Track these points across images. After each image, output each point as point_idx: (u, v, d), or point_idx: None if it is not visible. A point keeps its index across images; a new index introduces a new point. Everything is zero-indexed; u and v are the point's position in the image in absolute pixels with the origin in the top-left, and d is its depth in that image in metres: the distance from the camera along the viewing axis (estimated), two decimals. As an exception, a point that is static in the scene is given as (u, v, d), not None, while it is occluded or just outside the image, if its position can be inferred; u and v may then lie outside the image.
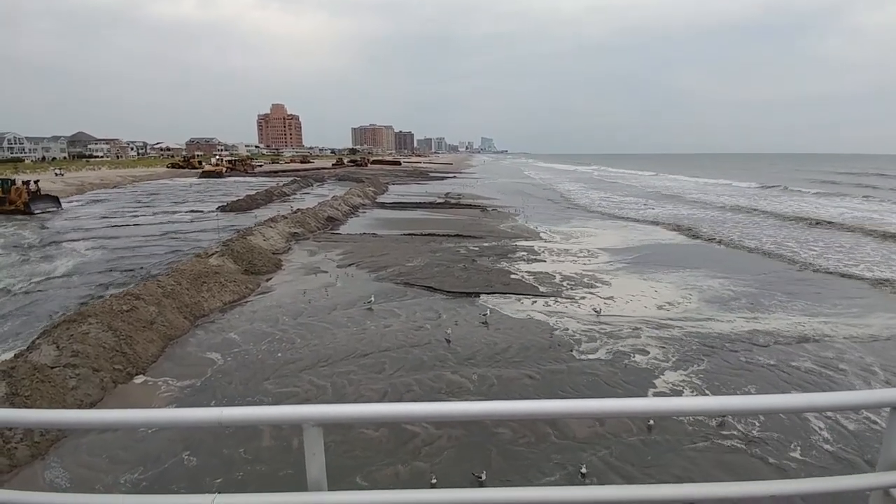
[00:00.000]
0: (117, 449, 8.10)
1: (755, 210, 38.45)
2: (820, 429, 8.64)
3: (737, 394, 9.86)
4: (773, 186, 60.49)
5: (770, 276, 19.23)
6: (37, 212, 35.14)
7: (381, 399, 9.62)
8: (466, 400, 9.49)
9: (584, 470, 7.60)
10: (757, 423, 8.75)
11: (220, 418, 1.78)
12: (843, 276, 19.24)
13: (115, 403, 9.70)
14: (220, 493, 1.59)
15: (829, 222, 31.74)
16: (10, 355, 10.56)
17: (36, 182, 38.67)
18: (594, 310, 14.85)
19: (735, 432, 8.56)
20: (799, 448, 8.16)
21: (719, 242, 26.50)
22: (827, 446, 8.22)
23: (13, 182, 37.05)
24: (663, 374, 10.83)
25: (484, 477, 7.35)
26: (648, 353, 11.99)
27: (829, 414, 8.87)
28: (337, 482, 7.17)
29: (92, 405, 9.67)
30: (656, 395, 9.91)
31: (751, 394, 9.91)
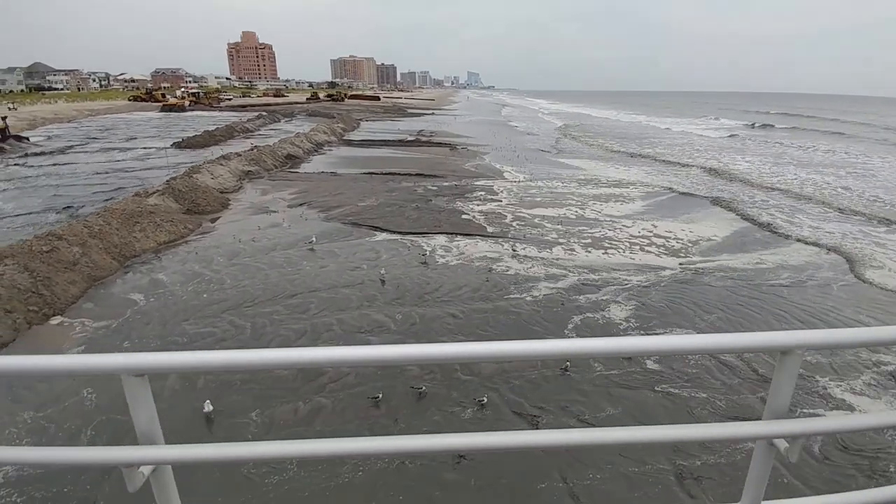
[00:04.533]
0: (20, 389, 8.07)
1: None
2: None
3: (632, 335, 10.16)
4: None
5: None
6: (7, 149, 32.73)
7: (298, 339, 9.66)
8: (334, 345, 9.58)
9: (484, 400, 7.89)
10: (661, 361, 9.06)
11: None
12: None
13: (27, 343, 9.59)
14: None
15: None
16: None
17: (3, 119, 35.60)
18: (512, 249, 14.89)
19: (638, 370, 8.86)
20: (700, 387, 8.51)
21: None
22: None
23: None
24: (583, 314, 11.03)
25: (423, 389, 8.08)
26: (580, 292, 12.16)
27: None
28: (230, 418, 7.29)
29: (3, 346, 9.55)
30: (567, 333, 10.15)
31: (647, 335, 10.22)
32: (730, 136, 53.19)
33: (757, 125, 66.16)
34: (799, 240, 16.78)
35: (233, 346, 9.39)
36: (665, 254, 15.11)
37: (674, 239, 16.55)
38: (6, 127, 34.86)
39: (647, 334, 10.24)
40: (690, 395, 8.23)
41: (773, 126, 64.30)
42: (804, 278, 13.45)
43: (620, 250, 15.30)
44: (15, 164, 28.03)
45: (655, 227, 17.91)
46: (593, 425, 7.44)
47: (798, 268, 14.19)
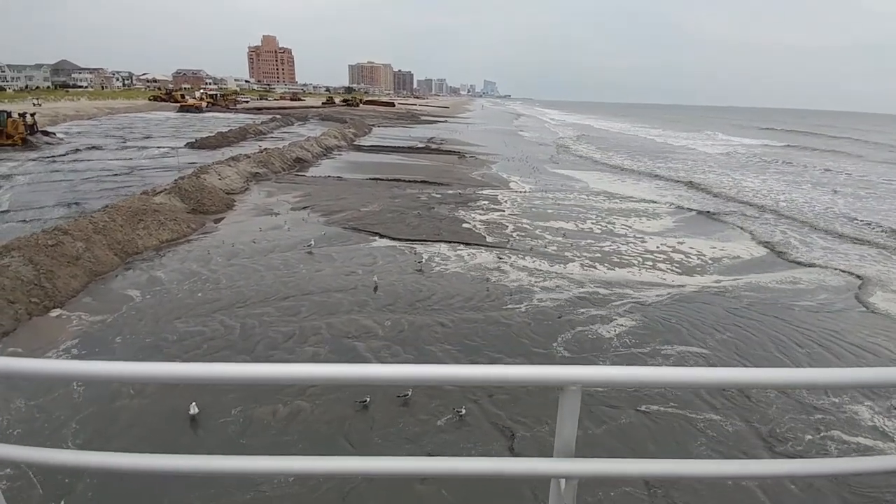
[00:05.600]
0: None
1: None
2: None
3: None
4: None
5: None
6: (34, 142, 33.48)
7: (286, 341, 9.75)
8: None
9: (462, 412, 7.88)
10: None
11: None
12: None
13: (27, 334, 9.81)
14: None
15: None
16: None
17: (32, 115, 36.77)
18: (511, 259, 14.87)
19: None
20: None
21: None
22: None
23: (9, 114, 33.88)
24: (576, 329, 10.98)
25: (408, 394, 8.11)
26: (576, 306, 12.10)
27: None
28: (209, 417, 7.37)
29: (5, 335, 9.77)
30: (556, 346, 10.12)
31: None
32: (729, 152, 52.41)
33: (777, 144, 65.22)
34: (813, 264, 16.34)
35: (220, 345, 9.51)
36: (665, 271, 14.97)
37: (672, 254, 16.41)
38: (35, 122, 36.13)
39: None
40: (677, 413, 8.13)
41: (794, 145, 63.39)
42: (817, 303, 13.07)
43: (624, 264, 15.20)
44: (32, 161, 28.73)
45: (657, 242, 17.76)
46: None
47: (813, 291, 13.84)
